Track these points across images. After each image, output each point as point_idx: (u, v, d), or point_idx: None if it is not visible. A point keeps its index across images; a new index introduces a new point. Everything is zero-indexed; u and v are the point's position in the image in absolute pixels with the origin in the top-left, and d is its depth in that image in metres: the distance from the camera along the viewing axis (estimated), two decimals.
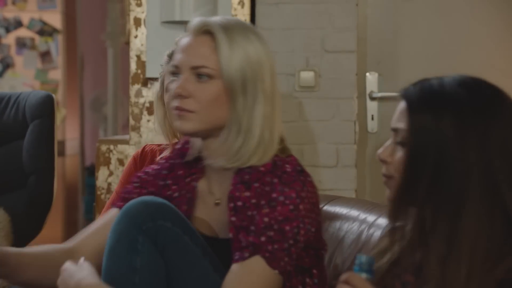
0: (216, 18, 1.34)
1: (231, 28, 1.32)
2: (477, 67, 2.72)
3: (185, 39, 1.34)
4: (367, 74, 2.81)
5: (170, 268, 1.29)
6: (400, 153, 1.12)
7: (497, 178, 1.05)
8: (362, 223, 1.58)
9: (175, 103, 1.32)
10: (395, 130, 1.14)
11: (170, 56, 1.81)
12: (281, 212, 1.28)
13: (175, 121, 1.34)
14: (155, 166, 1.46)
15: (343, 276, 1.06)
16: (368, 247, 1.49)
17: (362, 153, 2.78)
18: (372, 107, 2.79)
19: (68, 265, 1.28)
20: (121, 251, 1.27)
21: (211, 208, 1.39)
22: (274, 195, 1.29)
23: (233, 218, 1.31)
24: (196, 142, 1.39)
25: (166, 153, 1.86)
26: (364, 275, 1.04)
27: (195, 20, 1.33)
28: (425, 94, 1.11)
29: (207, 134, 1.34)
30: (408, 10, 2.82)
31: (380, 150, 1.14)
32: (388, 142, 1.14)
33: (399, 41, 2.82)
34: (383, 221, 1.53)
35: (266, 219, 1.28)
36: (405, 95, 1.13)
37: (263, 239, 1.27)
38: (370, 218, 1.58)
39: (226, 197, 1.34)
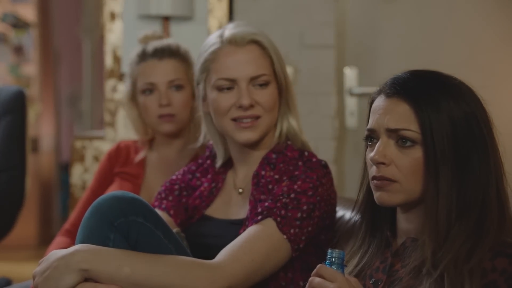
0: (247, 27, 1.44)
1: (260, 30, 1.45)
2: (455, 61, 2.72)
3: (226, 52, 1.41)
4: (346, 69, 2.79)
5: None
6: (412, 154, 1.10)
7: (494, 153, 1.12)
8: (339, 220, 1.57)
9: (239, 113, 1.41)
10: (394, 131, 1.12)
11: (141, 56, 1.78)
12: (300, 186, 1.35)
13: (238, 133, 1.42)
14: (185, 168, 1.54)
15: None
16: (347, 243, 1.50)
17: (341, 149, 2.77)
18: (351, 102, 2.78)
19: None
20: None
21: (233, 196, 1.46)
22: (297, 172, 1.37)
23: (254, 192, 1.38)
24: (219, 148, 1.48)
25: (143, 153, 1.84)
26: (334, 269, 1.04)
27: (233, 32, 1.42)
28: (427, 90, 1.11)
29: (262, 137, 1.44)
30: (387, 5, 2.81)
31: (373, 154, 1.12)
32: (379, 144, 1.12)
33: (378, 36, 2.81)
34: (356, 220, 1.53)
35: (284, 188, 1.34)
36: (408, 94, 1.11)
37: (278, 204, 1.33)
38: (348, 214, 1.57)
39: (248, 184, 1.42)
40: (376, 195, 1.13)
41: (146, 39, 1.84)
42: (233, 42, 1.40)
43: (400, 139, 1.11)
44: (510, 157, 1.18)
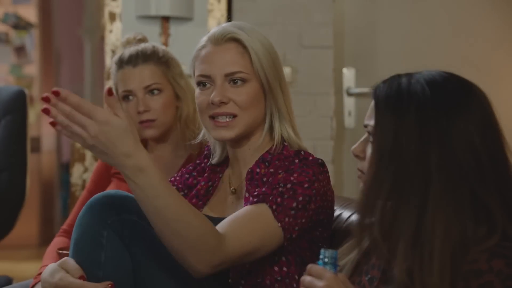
0: (230, 24, 1.43)
1: (247, 29, 1.41)
2: (454, 62, 2.73)
3: (206, 50, 1.41)
4: (344, 69, 2.80)
5: (136, 262, 1.29)
6: (370, 150, 1.14)
7: (462, 171, 1.07)
8: (337, 218, 1.58)
9: (213, 110, 1.39)
10: (366, 127, 1.16)
11: (118, 64, 1.79)
12: (297, 178, 1.34)
13: (213, 131, 1.41)
14: (183, 169, 1.54)
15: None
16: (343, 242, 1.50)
17: (339, 149, 2.78)
18: (349, 103, 2.79)
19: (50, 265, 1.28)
20: (85, 246, 1.27)
21: (227, 195, 1.45)
22: (292, 167, 1.37)
23: (249, 187, 1.38)
24: (216, 147, 1.49)
25: None
26: (327, 268, 1.05)
27: (214, 31, 1.41)
28: (391, 93, 1.13)
29: (241, 137, 1.42)
30: (385, 5, 2.82)
31: (354, 146, 1.17)
32: (362, 138, 1.17)
33: (376, 36, 2.82)
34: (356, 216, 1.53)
35: (281, 179, 1.35)
36: (374, 93, 1.15)
37: (274, 192, 1.33)
38: (346, 213, 1.58)
39: (243, 184, 1.42)
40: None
41: (127, 43, 1.84)
42: (212, 40, 1.40)
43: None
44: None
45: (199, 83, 1.41)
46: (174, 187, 1.49)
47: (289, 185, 1.33)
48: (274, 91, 1.41)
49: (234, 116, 1.39)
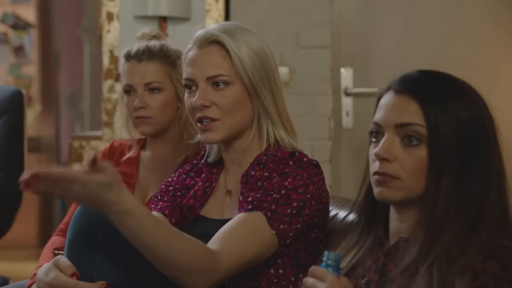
0: (215, 26, 1.41)
1: (232, 31, 1.39)
2: (451, 62, 2.72)
3: (192, 52, 1.41)
4: (342, 69, 2.80)
5: (130, 262, 1.29)
6: (417, 153, 1.11)
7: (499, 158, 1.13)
8: (333, 218, 1.58)
9: (198, 114, 1.38)
10: (402, 126, 1.12)
11: (125, 57, 1.80)
12: (291, 183, 1.34)
13: (201, 134, 1.41)
14: (180, 170, 1.54)
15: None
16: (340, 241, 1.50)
17: (337, 149, 2.78)
18: (347, 103, 2.79)
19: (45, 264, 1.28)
20: (80, 246, 1.27)
21: (224, 196, 1.45)
22: (287, 170, 1.36)
23: (243, 190, 1.38)
24: (213, 146, 1.48)
25: (133, 151, 1.85)
26: (330, 271, 1.04)
27: (199, 33, 1.40)
28: (443, 89, 1.12)
29: (229, 139, 1.41)
30: (383, 5, 2.82)
31: (379, 149, 1.12)
32: (387, 140, 1.12)
33: (374, 36, 2.81)
34: (353, 217, 1.53)
35: (275, 184, 1.34)
36: (419, 92, 1.12)
37: (268, 198, 1.32)
38: (342, 214, 1.58)
39: (237, 185, 1.42)
40: (377, 190, 1.13)
41: (142, 37, 1.85)
42: (197, 43, 1.40)
43: (406, 136, 1.11)
44: (510, 158, 1.19)
45: (185, 86, 1.41)
46: (171, 188, 1.50)
47: (283, 191, 1.33)
48: (260, 93, 1.39)
49: (215, 120, 1.38)
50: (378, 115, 1.15)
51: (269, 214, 1.31)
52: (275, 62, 1.44)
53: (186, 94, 1.42)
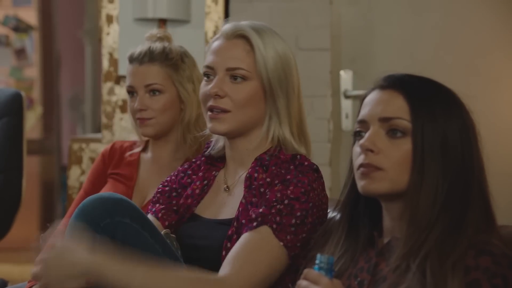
0: (246, 23, 1.43)
1: (261, 30, 1.41)
2: (450, 64, 2.72)
3: (217, 42, 1.42)
4: (341, 72, 2.80)
5: None
6: (401, 145, 1.11)
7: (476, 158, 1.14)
8: (330, 220, 1.57)
9: (210, 102, 1.39)
10: (386, 120, 1.12)
11: (129, 58, 1.81)
12: (293, 191, 1.34)
13: (209, 123, 1.41)
14: (179, 168, 1.54)
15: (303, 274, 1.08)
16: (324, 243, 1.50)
17: (336, 151, 2.78)
18: (346, 105, 2.79)
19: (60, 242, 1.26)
20: None
21: (220, 193, 1.45)
22: (288, 176, 1.36)
23: (246, 194, 1.38)
24: (219, 140, 1.48)
25: (137, 150, 1.86)
26: (323, 274, 1.04)
27: (228, 25, 1.42)
28: (427, 88, 1.13)
29: (236, 135, 1.42)
30: (382, 8, 2.82)
31: (364, 141, 1.12)
32: (372, 132, 1.13)
33: (374, 38, 2.81)
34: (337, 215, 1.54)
35: (278, 194, 1.34)
36: (404, 87, 1.13)
37: (272, 210, 1.32)
38: (339, 216, 1.58)
39: (237, 183, 1.42)
40: (361, 183, 1.12)
41: (149, 38, 1.86)
42: (224, 34, 1.42)
43: (391, 129, 1.12)
44: (510, 159, 1.20)
45: (204, 74, 1.43)
46: (167, 188, 1.49)
47: (286, 201, 1.33)
48: (275, 94, 1.40)
49: (227, 111, 1.39)
50: (363, 112, 1.16)
51: (274, 226, 1.31)
52: (297, 70, 1.45)
53: (203, 82, 1.43)
